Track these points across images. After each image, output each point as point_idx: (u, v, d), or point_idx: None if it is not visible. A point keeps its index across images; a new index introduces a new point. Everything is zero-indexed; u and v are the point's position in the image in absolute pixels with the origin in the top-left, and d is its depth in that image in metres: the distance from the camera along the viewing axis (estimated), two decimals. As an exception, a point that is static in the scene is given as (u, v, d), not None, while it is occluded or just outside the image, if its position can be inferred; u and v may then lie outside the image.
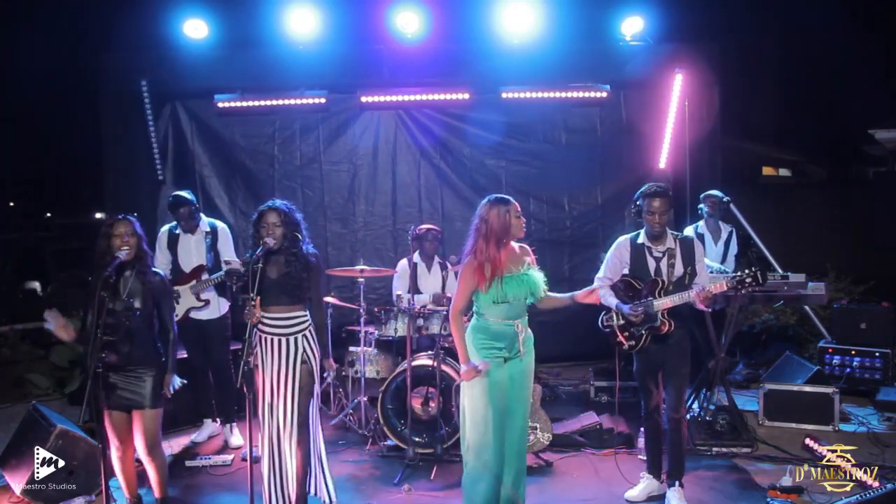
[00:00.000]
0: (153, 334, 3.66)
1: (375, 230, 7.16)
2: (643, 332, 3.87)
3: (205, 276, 4.95)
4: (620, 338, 3.96)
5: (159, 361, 3.65)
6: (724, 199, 5.90)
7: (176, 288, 4.97)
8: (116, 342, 3.47)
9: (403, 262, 5.76)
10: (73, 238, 11.84)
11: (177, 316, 4.92)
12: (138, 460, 3.93)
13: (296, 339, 3.68)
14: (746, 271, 3.77)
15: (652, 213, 3.83)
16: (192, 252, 5.01)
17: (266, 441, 3.64)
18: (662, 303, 3.79)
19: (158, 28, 6.53)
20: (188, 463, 4.69)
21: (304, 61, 6.56)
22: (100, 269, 3.43)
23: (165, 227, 5.16)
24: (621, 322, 3.96)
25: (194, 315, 4.99)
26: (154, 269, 3.71)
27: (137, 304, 3.55)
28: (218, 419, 5.20)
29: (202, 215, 5.15)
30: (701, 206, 5.96)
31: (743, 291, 3.83)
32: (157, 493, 3.77)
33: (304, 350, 3.69)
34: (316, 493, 3.84)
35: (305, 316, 3.75)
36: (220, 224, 5.16)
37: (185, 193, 5.04)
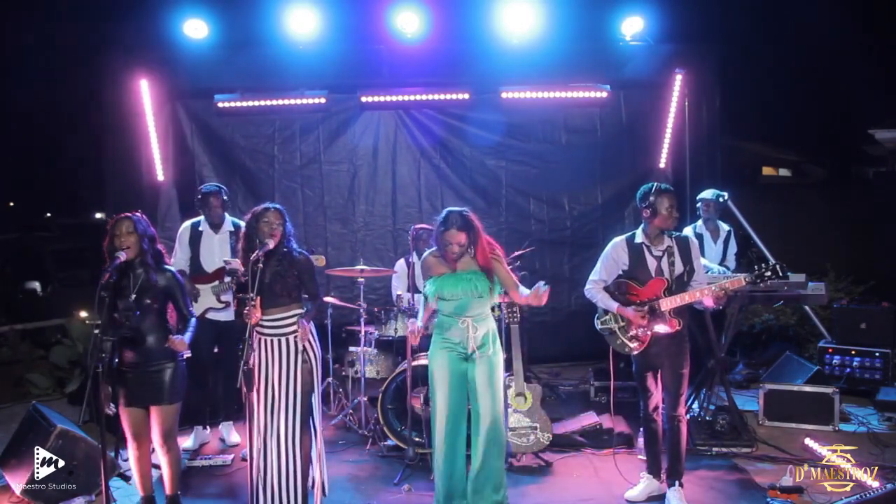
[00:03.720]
0: (166, 330, 3.62)
1: (375, 230, 7.15)
2: (649, 332, 3.86)
3: (227, 279, 4.88)
4: (621, 339, 3.96)
5: (174, 356, 3.62)
6: (720, 199, 5.86)
7: (196, 286, 4.95)
8: (119, 341, 3.47)
9: (401, 262, 5.78)
10: (73, 238, 11.83)
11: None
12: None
13: (296, 339, 3.68)
14: (764, 265, 3.71)
15: (670, 208, 3.79)
16: (216, 251, 4.96)
17: (266, 440, 3.63)
18: (671, 301, 3.77)
19: (158, 28, 6.53)
20: (188, 463, 4.69)
21: (304, 61, 6.56)
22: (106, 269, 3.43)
23: (188, 223, 5.10)
24: (622, 324, 3.95)
25: (212, 316, 4.95)
26: (163, 265, 3.68)
27: (147, 301, 3.54)
28: (208, 426, 5.16)
29: (226, 214, 5.10)
30: (697, 206, 5.95)
31: (762, 285, 3.82)
32: (168, 490, 3.77)
33: (305, 349, 3.70)
34: (313, 486, 3.84)
35: (304, 313, 3.75)
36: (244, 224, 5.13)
37: (218, 184, 5.08)
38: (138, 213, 3.66)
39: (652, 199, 3.81)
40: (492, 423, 3.71)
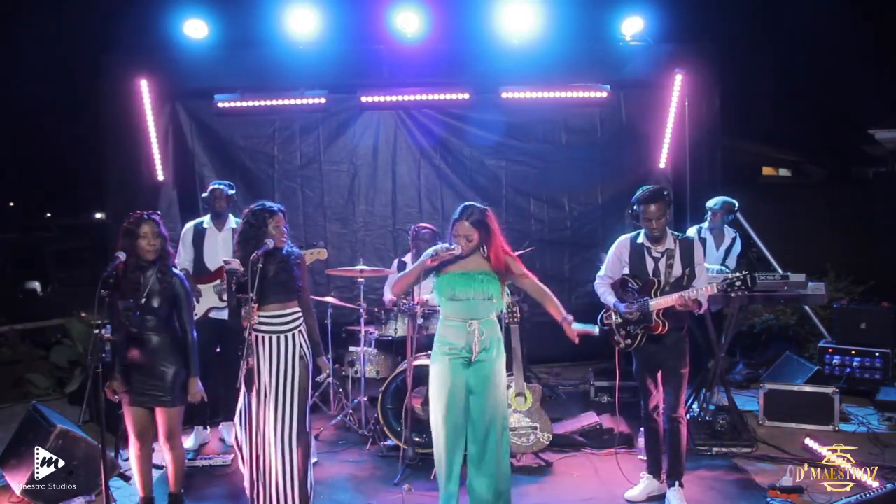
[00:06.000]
0: (173, 334, 3.62)
1: (375, 230, 7.15)
2: (639, 331, 3.89)
3: None
4: (617, 336, 3.98)
5: (180, 360, 3.62)
6: (726, 211, 5.76)
7: (198, 286, 4.97)
8: (124, 341, 3.47)
9: (395, 264, 5.79)
10: (73, 238, 11.85)
11: (196, 315, 4.91)
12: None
13: (293, 336, 3.69)
14: (736, 275, 3.75)
15: (649, 219, 3.82)
16: (219, 250, 4.97)
17: (264, 439, 3.62)
18: (657, 303, 3.80)
19: (158, 28, 6.53)
20: (189, 463, 4.68)
21: (304, 61, 6.56)
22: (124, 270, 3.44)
23: (191, 224, 5.15)
24: (619, 321, 3.98)
25: (214, 315, 4.96)
26: (175, 270, 3.68)
27: (155, 304, 3.55)
28: (208, 426, 5.15)
29: (230, 215, 5.12)
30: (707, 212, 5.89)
31: (733, 295, 3.83)
32: (171, 487, 3.77)
33: (301, 346, 3.71)
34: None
35: (299, 312, 3.76)
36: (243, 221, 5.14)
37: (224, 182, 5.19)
38: (157, 214, 3.66)
39: (636, 206, 3.89)
40: (489, 428, 3.60)
